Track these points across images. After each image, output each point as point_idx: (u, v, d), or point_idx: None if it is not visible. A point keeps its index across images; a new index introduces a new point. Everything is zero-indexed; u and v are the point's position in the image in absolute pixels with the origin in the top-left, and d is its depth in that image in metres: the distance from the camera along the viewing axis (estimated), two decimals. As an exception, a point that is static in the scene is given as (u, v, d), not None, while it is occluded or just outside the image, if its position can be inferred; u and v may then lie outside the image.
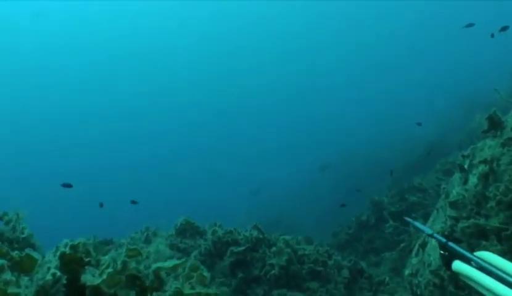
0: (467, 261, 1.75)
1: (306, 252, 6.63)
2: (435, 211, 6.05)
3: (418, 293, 5.74)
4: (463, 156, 5.90)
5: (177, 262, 2.76)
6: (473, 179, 5.47)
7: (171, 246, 7.05)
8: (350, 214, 16.67)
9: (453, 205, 5.30)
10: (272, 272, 6.19)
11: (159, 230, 8.09)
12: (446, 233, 5.06)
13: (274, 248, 6.43)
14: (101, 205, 12.12)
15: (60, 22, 62.56)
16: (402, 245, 8.30)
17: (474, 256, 1.74)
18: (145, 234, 7.67)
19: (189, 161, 48.61)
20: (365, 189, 23.75)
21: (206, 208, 32.94)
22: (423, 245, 5.93)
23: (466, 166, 5.74)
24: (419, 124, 14.38)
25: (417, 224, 2.25)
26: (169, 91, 62.59)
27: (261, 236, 6.89)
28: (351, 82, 56.55)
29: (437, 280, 5.14)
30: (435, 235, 2.03)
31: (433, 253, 5.66)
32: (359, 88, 54.62)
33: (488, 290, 1.60)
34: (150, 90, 62.33)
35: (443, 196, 6.11)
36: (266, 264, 6.37)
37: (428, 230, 2.18)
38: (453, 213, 5.20)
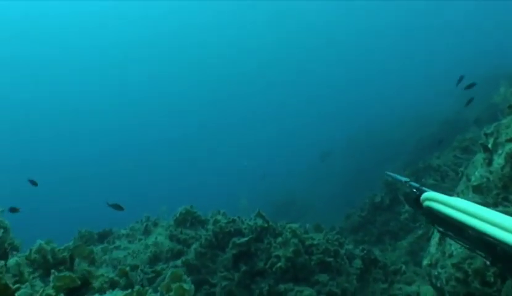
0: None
1: (315, 242, 6.13)
2: (455, 196, 5.50)
3: (438, 285, 5.24)
4: (486, 134, 5.30)
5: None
6: (499, 160, 4.89)
7: (171, 238, 6.60)
8: (363, 195, 16.18)
9: (477, 189, 4.75)
10: (278, 264, 5.72)
11: (160, 219, 7.66)
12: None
13: (279, 239, 5.94)
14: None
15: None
16: (420, 232, 7.75)
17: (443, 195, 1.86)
18: (144, 225, 7.23)
19: (195, 146, 48.53)
20: (378, 169, 23.29)
21: (215, 193, 32.90)
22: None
23: (489, 146, 5.16)
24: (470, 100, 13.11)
25: (393, 174, 2.54)
26: (170, 76, 62.41)
27: (266, 225, 6.41)
28: (362, 59, 55.73)
29: (460, 275, 4.61)
30: (411, 183, 2.22)
31: (454, 242, 5.15)
32: (370, 64, 53.84)
33: (452, 206, 1.73)
34: (154, 76, 62.30)
35: (463, 179, 5.55)
36: (272, 255, 5.90)
37: (404, 179, 2.35)
38: (477, 198, 4.65)
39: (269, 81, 59.55)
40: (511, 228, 1.45)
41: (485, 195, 4.68)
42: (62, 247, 3.80)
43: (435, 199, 1.93)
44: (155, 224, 7.37)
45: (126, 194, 35.53)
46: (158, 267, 5.91)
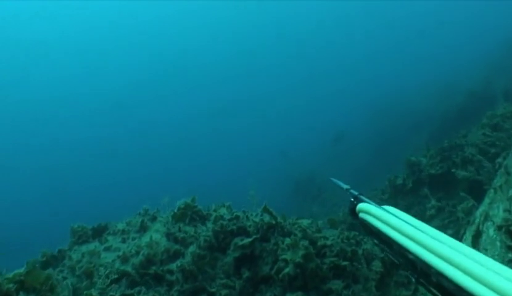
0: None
1: (328, 242, 5.40)
2: (491, 191, 4.68)
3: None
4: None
5: None
6: (548, 151, 4.10)
7: (168, 236, 5.95)
8: (386, 171, 15.35)
9: (521, 188, 3.96)
10: (286, 270, 5.02)
11: (159, 212, 7.00)
12: (513, 228, 3.76)
13: (288, 240, 5.22)
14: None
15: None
16: (448, 232, 6.94)
17: (377, 205, 1.85)
18: (140, 220, 6.58)
19: (211, 124, 47.94)
20: (402, 143, 22.38)
21: (230, 175, 32.43)
22: (476, 236, 4.62)
23: (534, 133, 4.33)
24: None
25: (336, 180, 2.44)
26: (177, 63, 61.68)
27: (273, 222, 5.70)
28: (386, 30, 54.04)
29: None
30: (351, 191, 2.14)
31: (492, 248, 4.37)
32: (393, 35, 52.13)
33: (384, 222, 1.71)
34: (165, 66, 61.59)
35: (501, 170, 4.74)
36: (279, 259, 5.19)
37: (345, 186, 2.27)
38: (521, 199, 3.87)
39: (288, 56, 58.35)
40: (428, 245, 1.45)
41: (531, 194, 3.89)
42: (10, 275, 3.13)
43: (366, 211, 1.91)
44: (154, 219, 6.71)
45: (130, 183, 35.57)
46: (151, 271, 5.28)
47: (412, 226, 1.60)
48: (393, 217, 1.69)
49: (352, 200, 2.07)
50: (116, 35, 64.07)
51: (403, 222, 1.63)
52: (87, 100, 55.43)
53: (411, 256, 1.54)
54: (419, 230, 1.56)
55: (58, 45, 60.73)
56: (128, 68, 60.88)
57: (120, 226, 6.91)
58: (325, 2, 60.03)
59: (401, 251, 1.61)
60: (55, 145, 46.92)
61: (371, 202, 1.94)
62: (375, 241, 1.84)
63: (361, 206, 1.95)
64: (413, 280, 1.55)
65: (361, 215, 1.94)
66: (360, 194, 2.07)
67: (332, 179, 2.52)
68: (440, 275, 1.41)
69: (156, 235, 6.06)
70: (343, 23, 58.66)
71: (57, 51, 60.11)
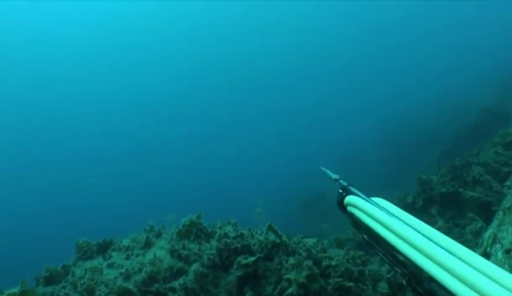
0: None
1: (333, 262, 5.31)
2: (500, 213, 4.57)
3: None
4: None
5: None
6: (557, 173, 4.00)
7: (172, 253, 5.90)
8: (396, 190, 15.19)
9: (530, 210, 3.86)
10: (289, 291, 4.93)
11: (165, 229, 6.97)
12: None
13: (292, 260, 5.15)
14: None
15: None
16: None
17: (368, 198, 1.79)
18: (145, 237, 6.55)
19: (221, 142, 47.89)
20: (411, 162, 22.19)
21: (238, 192, 32.34)
22: (486, 256, 4.51)
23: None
24: None
25: (325, 169, 2.29)
26: (181, 75, 61.97)
27: (278, 240, 5.63)
28: (398, 48, 54.01)
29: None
30: (340, 181, 2.03)
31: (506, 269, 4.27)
32: (405, 53, 52.06)
33: (370, 215, 1.64)
34: (163, 77, 61.88)
35: (510, 191, 4.64)
36: (282, 279, 5.11)
37: (334, 176, 2.15)
38: (530, 222, 3.76)
39: (300, 75, 58.48)
40: (420, 246, 1.37)
41: (540, 217, 3.79)
42: (4, 294, 3.12)
43: (354, 204, 1.81)
44: (159, 235, 6.68)
45: (137, 199, 35.59)
46: (153, 289, 5.22)
47: (403, 221, 1.55)
48: (383, 212, 1.62)
49: (340, 191, 1.96)
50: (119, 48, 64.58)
51: (394, 219, 1.56)
52: (93, 117, 55.78)
53: (401, 258, 1.48)
54: (411, 227, 1.50)
55: (58, 55, 61.40)
56: (137, 86, 61.17)
57: (125, 242, 6.89)
58: (333, 21, 60.34)
59: (390, 251, 1.55)
60: (64, 160, 47.25)
61: (360, 194, 1.85)
62: (364, 237, 1.75)
63: (348, 199, 1.85)
64: (404, 282, 1.47)
65: (349, 209, 1.85)
66: (349, 185, 1.95)
67: (321, 168, 2.38)
68: (432, 280, 1.32)
69: (160, 252, 6.02)
70: (355, 41, 58.80)
71: (59, 60, 60.71)
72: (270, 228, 5.81)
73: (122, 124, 54.76)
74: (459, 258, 1.29)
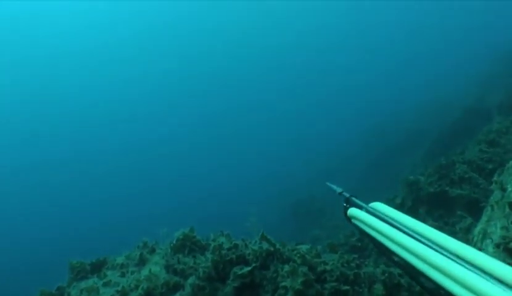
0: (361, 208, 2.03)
1: (328, 267, 5.37)
2: (489, 209, 4.68)
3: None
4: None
5: None
6: (540, 167, 4.11)
7: (167, 268, 5.92)
8: (384, 192, 15.36)
9: (517, 205, 3.96)
10: (286, 298, 4.96)
11: (158, 244, 6.97)
12: (511, 246, 3.75)
13: (287, 267, 5.19)
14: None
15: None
16: None
17: (367, 206, 1.98)
18: (139, 253, 6.55)
19: (203, 156, 47.74)
20: (399, 161, 22.43)
21: (228, 202, 32.30)
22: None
23: (527, 148, 4.35)
24: None
25: (330, 184, 2.46)
26: (177, 87, 61.81)
27: (272, 249, 5.67)
28: (382, 48, 54.59)
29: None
30: (344, 192, 2.23)
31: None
32: (389, 54, 52.63)
33: (370, 226, 1.84)
34: (155, 87, 61.67)
35: (497, 187, 4.75)
36: (279, 287, 5.15)
37: (338, 189, 2.33)
38: (517, 217, 3.87)
39: (282, 79, 58.75)
40: (435, 263, 1.42)
41: (527, 211, 3.89)
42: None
43: (357, 217, 1.99)
44: (153, 251, 6.68)
45: (127, 214, 35.27)
46: (151, 306, 5.22)
47: (399, 224, 1.72)
48: (380, 221, 1.81)
49: (345, 205, 2.16)
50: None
51: (389, 227, 1.74)
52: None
53: (396, 258, 1.66)
54: (407, 227, 1.68)
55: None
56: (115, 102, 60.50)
57: (119, 259, 6.87)
58: (314, 26, 60.80)
59: (388, 254, 1.73)
60: (48, 177, 46.56)
61: (361, 203, 2.05)
62: (375, 247, 1.93)
63: (350, 212, 2.07)
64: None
65: (353, 221, 2.05)
66: (352, 196, 2.15)
67: (328, 183, 2.58)
68: (424, 276, 1.48)
69: (155, 267, 6.03)
70: (340, 43, 59.26)
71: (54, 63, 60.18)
72: (263, 237, 5.85)
73: (108, 139, 54.24)
74: (453, 253, 1.41)
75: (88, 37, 63.63)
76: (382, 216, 1.84)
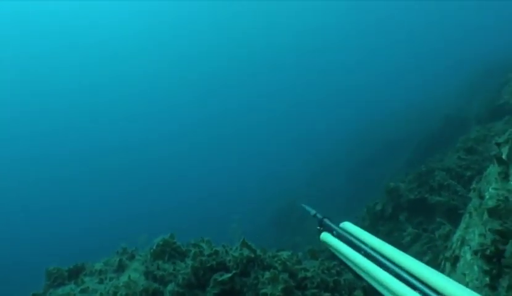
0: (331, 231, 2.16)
1: (309, 274, 5.37)
2: (467, 216, 4.73)
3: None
4: (498, 144, 4.55)
5: None
6: (517, 175, 4.17)
7: (147, 274, 5.84)
8: (365, 199, 15.46)
9: (494, 212, 4.01)
10: (267, 305, 4.95)
11: (137, 250, 6.88)
12: (489, 253, 3.80)
13: (267, 274, 5.17)
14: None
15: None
16: (426, 258, 6.95)
17: (336, 227, 2.12)
18: (118, 260, 6.45)
19: (185, 160, 47.43)
20: (377, 172, 22.62)
21: (209, 209, 32.14)
22: (454, 261, 4.64)
23: (504, 157, 4.41)
24: None
25: (306, 206, 2.55)
26: (161, 91, 61.36)
27: (252, 255, 5.65)
28: (360, 57, 55.02)
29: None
30: (317, 214, 2.33)
31: (470, 273, 4.39)
32: (370, 64, 53.09)
33: (341, 253, 1.98)
34: (143, 91, 61.11)
35: (475, 196, 4.81)
36: (259, 294, 5.13)
37: (312, 212, 2.41)
38: (495, 224, 3.91)
39: (264, 83, 58.84)
40: (375, 276, 1.65)
41: (504, 219, 3.94)
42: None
43: (328, 242, 2.12)
44: (132, 257, 6.59)
45: (108, 221, 34.74)
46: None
47: (367, 247, 1.84)
48: (347, 247, 1.95)
49: (318, 227, 2.27)
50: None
51: (355, 253, 1.87)
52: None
53: (364, 283, 1.83)
54: (374, 250, 1.81)
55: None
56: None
57: (97, 265, 6.76)
58: (294, 32, 61.08)
59: (357, 276, 1.88)
60: (24, 181, 45.62)
61: (333, 225, 2.17)
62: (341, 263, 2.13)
63: (322, 237, 2.19)
64: None
65: (326, 245, 2.20)
66: (324, 217, 2.27)
67: (303, 205, 2.66)
68: None
69: (134, 274, 5.95)
70: (321, 49, 59.51)
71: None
72: (244, 244, 5.82)
73: (89, 142, 53.36)
74: (413, 275, 1.55)
75: (88, 36, 63.03)
76: (351, 238, 1.98)
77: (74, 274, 6.73)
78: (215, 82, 60.46)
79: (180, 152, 49.37)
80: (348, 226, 2.09)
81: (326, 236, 2.17)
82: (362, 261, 1.81)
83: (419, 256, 7.37)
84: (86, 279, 6.38)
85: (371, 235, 1.93)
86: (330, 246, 2.11)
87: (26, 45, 59.76)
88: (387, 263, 1.68)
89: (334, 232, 2.12)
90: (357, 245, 1.91)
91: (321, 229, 2.23)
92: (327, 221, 2.23)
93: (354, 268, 1.87)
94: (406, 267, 1.61)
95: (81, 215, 38.52)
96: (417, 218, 10.31)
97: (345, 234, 2.04)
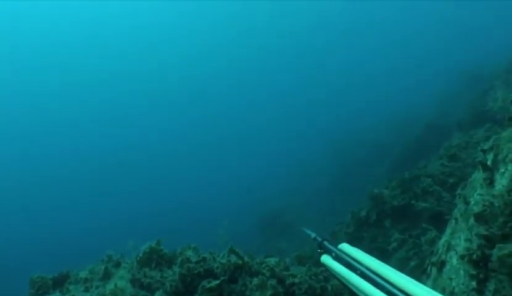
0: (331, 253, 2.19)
1: (297, 280, 5.38)
2: (453, 221, 4.80)
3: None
4: (483, 150, 4.63)
5: None
6: (502, 181, 4.21)
7: (133, 282, 5.79)
8: (349, 206, 15.53)
9: (480, 218, 4.06)
10: (255, 311, 4.94)
11: (124, 258, 6.81)
12: (475, 257, 3.85)
13: (255, 280, 5.17)
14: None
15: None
16: (412, 264, 7.01)
17: (335, 249, 2.15)
18: (103, 267, 6.38)
19: (170, 164, 47.14)
20: (360, 179, 22.78)
21: (196, 214, 32.01)
22: (441, 266, 4.70)
23: (489, 163, 4.49)
24: None
25: (305, 229, 2.54)
26: (147, 92, 60.97)
27: (240, 262, 5.64)
28: (344, 63, 55.36)
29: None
30: (317, 237, 2.33)
31: (456, 277, 4.45)
32: (354, 70, 53.46)
33: (340, 274, 2.03)
34: (129, 95, 60.64)
35: (461, 202, 4.88)
36: (247, 300, 5.12)
37: (312, 235, 2.40)
38: (481, 229, 3.97)
39: (249, 89, 58.91)
40: None
41: (489, 224, 4.00)
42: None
43: (328, 265, 2.15)
44: (118, 265, 6.53)
45: (92, 228, 34.25)
46: (117, 321, 5.09)
47: (364, 271, 1.90)
48: (347, 270, 1.99)
49: (319, 250, 2.29)
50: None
51: (355, 276, 1.92)
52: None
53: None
54: (372, 271, 1.86)
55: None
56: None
57: (82, 274, 6.68)
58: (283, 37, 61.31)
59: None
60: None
61: (332, 247, 2.20)
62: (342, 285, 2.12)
63: (322, 259, 2.23)
64: None
65: (326, 267, 2.22)
66: (324, 240, 2.29)
67: (303, 228, 2.65)
68: None
69: (121, 282, 5.89)
70: (305, 55, 59.73)
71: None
72: (231, 250, 5.81)
73: (75, 143, 52.62)
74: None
75: (88, 36, 62.49)
76: (349, 260, 2.02)
77: (59, 282, 6.63)
78: (213, 82, 60.34)
79: (173, 154, 49.13)
80: (346, 248, 2.14)
81: (326, 259, 2.20)
82: (361, 283, 1.85)
83: (405, 261, 7.43)
84: (71, 287, 6.29)
85: (371, 257, 1.99)
86: (331, 269, 2.14)
87: (26, 45, 59.14)
88: (385, 285, 1.73)
89: (333, 254, 2.16)
90: (355, 267, 1.95)
91: (321, 251, 2.26)
92: (326, 243, 2.26)
93: (354, 290, 1.91)
94: (406, 289, 1.64)
95: (80, 215, 38.01)
96: (401, 224, 10.40)
97: (343, 255, 2.08)
